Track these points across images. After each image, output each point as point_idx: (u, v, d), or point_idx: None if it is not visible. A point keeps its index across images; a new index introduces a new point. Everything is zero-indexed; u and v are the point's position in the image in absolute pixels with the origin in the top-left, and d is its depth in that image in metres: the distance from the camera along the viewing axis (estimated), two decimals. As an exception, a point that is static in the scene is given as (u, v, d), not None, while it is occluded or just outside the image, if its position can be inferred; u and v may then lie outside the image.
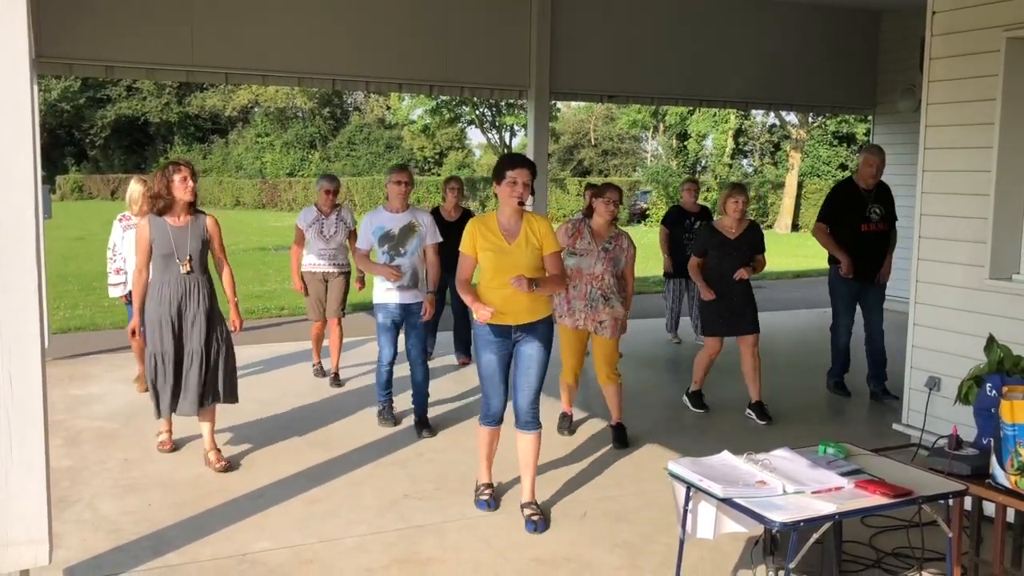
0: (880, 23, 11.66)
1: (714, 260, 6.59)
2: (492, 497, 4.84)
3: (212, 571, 4.00)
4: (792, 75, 11.21)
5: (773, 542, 3.59)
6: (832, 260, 7.29)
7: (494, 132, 37.78)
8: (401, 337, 6.27)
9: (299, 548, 4.25)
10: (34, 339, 3.28)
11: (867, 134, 19.22)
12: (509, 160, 4.57)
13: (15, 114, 3.20)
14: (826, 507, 3.14)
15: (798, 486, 3.29)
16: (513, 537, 4.41)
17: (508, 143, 38.15)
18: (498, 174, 4.56)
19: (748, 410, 6.76)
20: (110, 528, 4.45)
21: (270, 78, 9.33)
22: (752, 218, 6.97)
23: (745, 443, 4.82)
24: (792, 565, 3.12)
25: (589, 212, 6.16)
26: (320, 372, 7.86)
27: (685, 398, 7.04)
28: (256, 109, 50.86)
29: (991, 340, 3.74)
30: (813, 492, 3.26)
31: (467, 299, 4.52)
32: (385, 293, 6.11)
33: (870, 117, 12.41)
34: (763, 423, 6.59)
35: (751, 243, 6.61)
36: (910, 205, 6.48)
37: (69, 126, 51.02)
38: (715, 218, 6.99)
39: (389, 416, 6.40)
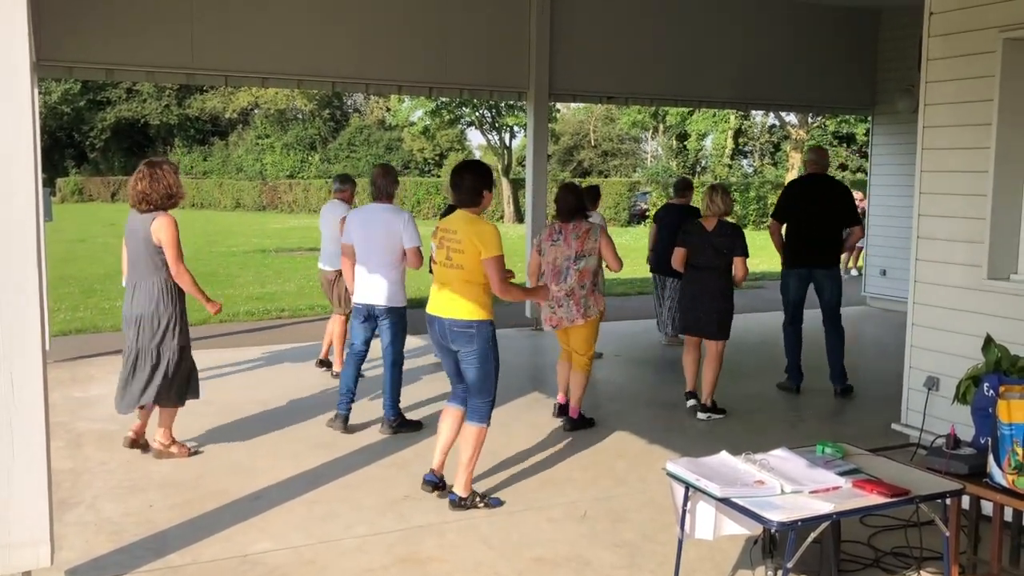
0: (879, 23, 11.68)
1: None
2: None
3: (213, 572, 4.01)
4: (791, 75, 11.24)
5: (772, 542, 3.61)
6: (837, 261, 7.30)
7: (494, 133, 37.73)
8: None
9: (300, 549, 4.26)
10: (35, 341, 3.29)
11: (867, 134, 19.22)
12: (492, 170, 4.90)
13: (16, 117, 3.22)
14: (824, 507, 3.16)
15: (796, 486, 3.30)
16: (513, 537, 4.42)
17: (508, 144, 38.09)
18: (490, 183, 4.70)
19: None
20: (112, 529, 4.46)
21: (270, 80, 9.37)
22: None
23: (743, 443, 4.83)
24: (790, 564, 3.13)
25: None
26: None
27: (699, 410, 6.61)
28: (256, 111, 50.83)
29: (989, 340, 3.76)
30: (811, 492, 3.28)
31: (523, 294, 4.98)
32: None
33: (869, 117, 12.45)
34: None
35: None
36: (908, 206, 6.50)
37: (69, 129, 51.00)
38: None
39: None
